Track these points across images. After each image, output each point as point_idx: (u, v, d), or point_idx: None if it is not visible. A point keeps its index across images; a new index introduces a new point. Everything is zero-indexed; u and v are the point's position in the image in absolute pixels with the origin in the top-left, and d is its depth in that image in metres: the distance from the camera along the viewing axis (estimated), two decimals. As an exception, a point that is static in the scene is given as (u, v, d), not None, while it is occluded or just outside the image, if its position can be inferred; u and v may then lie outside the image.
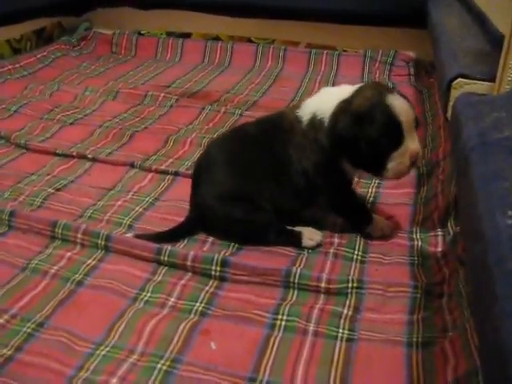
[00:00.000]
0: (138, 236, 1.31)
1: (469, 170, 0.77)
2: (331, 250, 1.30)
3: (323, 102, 1.30)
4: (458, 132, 0.96)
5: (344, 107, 1.24)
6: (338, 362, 0.99)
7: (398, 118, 1.19)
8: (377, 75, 2.50)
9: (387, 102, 1.20)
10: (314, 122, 1.29)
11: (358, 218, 1.36)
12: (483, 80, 1.17)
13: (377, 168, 1.24)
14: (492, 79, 1.16)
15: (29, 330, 1.06)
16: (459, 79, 1.18)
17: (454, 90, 1.19)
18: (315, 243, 1.31)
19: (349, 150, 1.24)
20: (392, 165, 1.22)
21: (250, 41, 2.74)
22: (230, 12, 2.67)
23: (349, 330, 1.06)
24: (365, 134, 1.19)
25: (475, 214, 0.68)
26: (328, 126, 1.25)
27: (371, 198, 1.50)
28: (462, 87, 1.18)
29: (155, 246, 1.25)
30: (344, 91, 1.28)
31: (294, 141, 1.31)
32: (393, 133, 1.20)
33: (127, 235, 1.32)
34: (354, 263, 1.25)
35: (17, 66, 2.45)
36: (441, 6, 2.14)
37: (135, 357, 1.00)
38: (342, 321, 1.08)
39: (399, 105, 1.21)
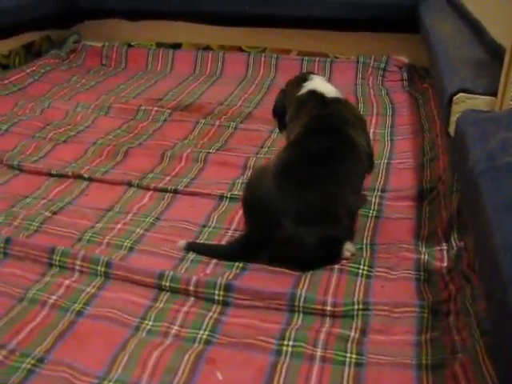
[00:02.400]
0: (190, 246, 1.33)
1: (480, 198, 0.76)
2: (336, 266, 1.27)
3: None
4: (463, 152, 0.94)
5: None
6: (346, 387, 0.98)
7: None
8: (370, 81, 2.49)
9: None
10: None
11: None
12: (485, 94, 1.15)
13: None
14: (493, 93, 1.15)
15: (28, 366, 1.02)
16: (460, 94, 1.17)
17: (455, 105, 1.17)
18: (350, 254, 1.31)
19: None
20: None
21: (241, 50, 2.72)
22: (220, 21, 2.65)
23: (357, 353, 1.04)
24: None
25: (490, 246, 0.67)
26: None
27: (374, 212, 1.48)
28: (463, 102, 1.16)
29: (156, 271, 1.23)
30: None
31: (355, 125, 1.42)
32: None
33: (179, 244, 1.34)
34: (359, 278, 1.24)
35: (6, 81, 2.42)
36: (433, 11, 2.13)
37: (141, 390, 0.98)
38: (349, 344, 1.06)
39: None
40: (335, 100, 1.48)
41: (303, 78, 1.56)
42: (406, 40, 2.51)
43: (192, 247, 1.34)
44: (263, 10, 2.56)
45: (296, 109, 1.49)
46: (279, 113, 1.58)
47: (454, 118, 1.17)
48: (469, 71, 1.29)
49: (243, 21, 2.61)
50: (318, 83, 1.53)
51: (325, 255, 1.27)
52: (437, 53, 1.52)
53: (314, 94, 1.48)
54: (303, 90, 1.51)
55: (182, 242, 1.35)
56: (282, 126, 1.58)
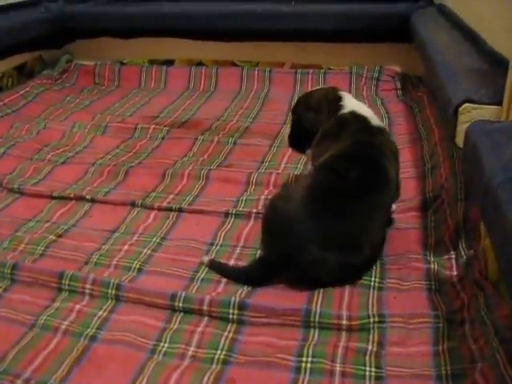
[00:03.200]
0: (211, 264, 1.33)
1: (500, 211, 0.76)
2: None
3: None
4: (477, 162, 0.95)
5: None
6: (369, 403, 0.97)
7: None
8: (364, 91, 2.50)
9: None
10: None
11: None
12: (490, 104, 1.16)
13: None
14: (498, 103, 1.16)
15: (46, 396, 1.01)
16: (466, 104, 1.17)
17: (461, 115, 1.18)
18: None
19: None
20: None
21: (234, 64, 2.73)
22: (212, 36, 2.65)
23: (376, 367, 1.04)
24: None
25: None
26: None
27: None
28: (469, 112, 1.17)
29: (168, 292, 1.22)
30: None
31: (391, 158, 1.38)
32: None
33: (202, 259, 1.35)
34: (371, 291, 1.24)
35: (0, 104, 2.40)
36: (425, 21, 2.15)
37: (162, 415, 0.97)
38: (367, 358, 1.06)
39: None
40: (379, 130, 1.43)
41: (336, 96, 1.49)
42: (397, 49, 2.53)
43: (213, 266, 1.33)
44: (255, 24, 2.56)
45: (336, 129, 1.42)
46: (310, 131, 1.49)
47: (460, 128, 1.18)
48: (471, 81, 1.30)
49: (235, 35, 2.62)
50: (357, 104, 1.48)
51: (344, 281, 1.26)
52: (436, 63, 1.53)
53: (358, 118, 1.43)
54: (344, 110, 1.45)
55: (205, 259, 1.35)
56: (307, 146, 1.51)
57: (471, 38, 1.64)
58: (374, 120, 1.44)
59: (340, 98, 1.48)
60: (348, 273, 1.26)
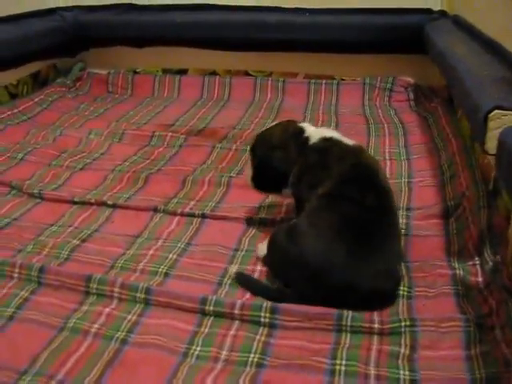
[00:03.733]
0: (239, 277, 1.31)
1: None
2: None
3: None
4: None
5: None
6: (405, 406, 0.97)
7: None
8: (377, 102, 2.52)
9: None
10: None
11: None
12: (520, 111, 1.18)
13: None
14: (528, 109, 1.17)
15: (80, 398, 1.01)
16: (496, 111, 1.18)
17: (491, 122, 1.19)
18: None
19: None
20: None
21: (247, 74, 2.74)
22: (226, 46, 2.67)
23: (409, 370, 1.04)
24: None
25: None
26: None
27: (402, 231, 1.49)
28: (499, 118, 1.18)
29: (199, 295, 1.22)
30: None
31: (379, 167, 1.40)
32: None
33: (230, 269, 1.34)
34: (401, 299, 1.24)
35: (15, 111, 2.41)
36: (441, 32, 2.17)
37: (199, 417, 0.96)
38: (400, 361, 1.06)
39: None
40: (360, 148, 1.41)
41: (297, 129, 1.45)
42: (410, 60, 2.56)
43: (240, 279, 1.30)
44: (269, 34, 2.58)
45: (318, 159, 1.36)
46: (280, 171, 1.43)
47: (490, 135, 1.19)
48: (498, 88, 1.31)
49: (249, 45, 2.63)
50: (320, 131, 1.44)
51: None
52: (459, 71, 1.55)
53: (333, 142, 1.39)
54: (313, 140, 1.40)
55: (233, 269, 1.33)
56: (277, 186, 1.46)
57: (491, 47, 1.66)
58: (347, 140, 1.41)
59: (302, 130, 1.44)
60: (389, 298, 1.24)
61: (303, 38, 2.55)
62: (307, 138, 1.41)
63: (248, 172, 1.53)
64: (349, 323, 1.14)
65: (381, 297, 1.21)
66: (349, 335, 1.13)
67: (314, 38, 2.54)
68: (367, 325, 1.14)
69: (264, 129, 1.55)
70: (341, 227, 1.22)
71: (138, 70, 2.86)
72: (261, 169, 1.48)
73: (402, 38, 2.48)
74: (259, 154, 1.47)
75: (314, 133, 1.42)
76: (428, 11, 2.47)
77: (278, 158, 1.43)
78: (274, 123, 1.55)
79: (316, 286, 1.20)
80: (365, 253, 1.19)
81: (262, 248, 1.37)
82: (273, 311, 1.17)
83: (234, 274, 1.32)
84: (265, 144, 1.47)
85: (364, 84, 2.57)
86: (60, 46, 2.77)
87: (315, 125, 2.14)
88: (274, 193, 1.53)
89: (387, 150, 2.01)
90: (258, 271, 1.36)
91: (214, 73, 2.78)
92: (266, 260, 1.36)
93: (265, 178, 1.48)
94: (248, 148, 1.56)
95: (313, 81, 2.61)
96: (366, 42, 2.53)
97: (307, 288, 1.21)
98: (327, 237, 1.21)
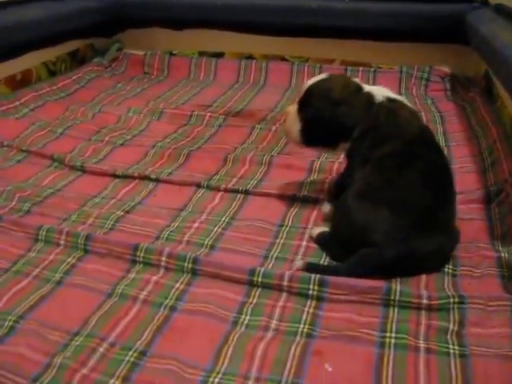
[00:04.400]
0: (308, 266, 1.26)
1: None
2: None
3: None
4: None
5: None
6: (456, 379, 0.97)
7: None
8: (413, 91, 2.50)
9: None
10: None
11: None
12: None
13: None
14: None
15: (132, 359, 1.02)
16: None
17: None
18: None
19: None
20: None
21: (283, 59, 2.73)
22: (263, 31, 2.67)
23: (459, 345, 1.04)
24: None
25: None
26: None
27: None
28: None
29: (247, 267, 1.23)
30: None
31: None
32: None
33: (296, 263, 1.27)
34: (446, 277, 1.24)
35: (54, 87, 2.43)
36: (484, 21, 2.15)
37: (251, 383, 0.97)
38: (449, 337, 1.07)
39: None
40: (417, 111, 1.46)
41: (357, 85, 1.42)
42: (447, 50, 2.53)
43: (310, 268, 1.26)
44: (306, 19, 2.58)
45: (387, 118, 1.36)
46: (348, 125, 1.38)
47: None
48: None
49: (286, 30, 2.63)
50: (381, 89, 1.43)
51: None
52: (506, 56, 1.53)
53: (398, 103, 1.40)
54: (379, 98, 1.38)
55: (299, 262, 1.27)
56: (342, 140, 1.41)
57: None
58: (408, 102, 1.44)
59: (361, 87, 1.42)
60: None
61: (342, 25, 2.54)
62: (372, 96, 1.39)
63: (291, 127, 1.44)
64: (397, 298, 1.14)
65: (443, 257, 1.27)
66: (397, 310, 1.14)
67: (352, 25, 2.53)
68: (416, 300, 1.14)
69: (314, 81, 1.43)
70: (423, 183, 1.26)
71: (174, 52, 2.86)
72: (318, 123, 1.40)
73: (442, 27, 2.46)
74: (316, 108, 1.39)
75: (376, 91, 1.41)
76: (469, 0, 2.45)
77: (343, 113, 1.37)
78: (323, 76, 1.45)
79: (390, 245, 1.20)
80: (443, 210, 1.26)
81: (316, 230, 1.38)
82: (321, 284, 1.17)
83: (302, 266, 1.26)
84: (324, 98, 1.38)
85: (401, 73, 2.56)
86: (97, 26, 2.79)
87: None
88: (328, 147, 1.47)
89: (426, 137, 2.00)
90: (304, 246, 1.36)
91: (250, 57, 2.78)
92: (334, 224, 1.37)
93: (321, 132, 1.41)
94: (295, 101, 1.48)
95: (350, 68, 2.60)
96: (405, 30, 2.51)
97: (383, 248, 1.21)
98: (411, 193, 1.25)
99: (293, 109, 1.44)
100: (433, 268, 1.26)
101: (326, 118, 1.38)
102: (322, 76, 1.45)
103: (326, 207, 1.43)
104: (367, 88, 1.42)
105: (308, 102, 1.41)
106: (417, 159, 1.29)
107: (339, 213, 1.36)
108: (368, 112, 1.37)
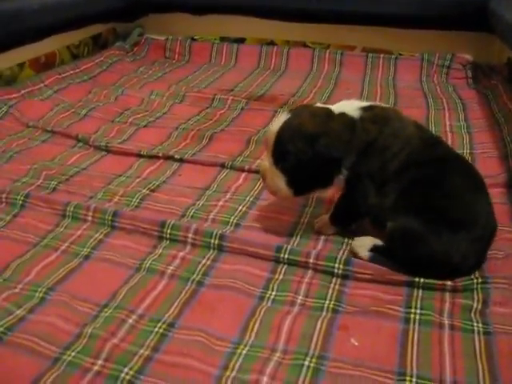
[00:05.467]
0: (374, 258, 1.22)
1: None
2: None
3: None
4: None
5: None
6: (480, 355, 0.99)
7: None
8: (435, 78, 2.50)
9: None
10: None
11: None
12: None
13: None
14: None
15: (161, 331, 1.04)
16: None
17: None
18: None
19: None
20: None
21: (305, 45, 2.74)
22: (285, 17, 2.68)
23: (483, 323, 1.06)
24: None
25: None
26: None
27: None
28: None
29: (274, 244, 1.24)
30: None
31: None
32: None
33: (363, 256, 1.23)
34: (471, 260, 1.25)
35: (77, 70, 2.46)
36: (508, 7, 2.14)
37: (279, 355, 0.98)
38: (473, 315, 1.08)
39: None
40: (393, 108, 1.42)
41: (320, 109, 1.29)
42: (469, 38, 2.53)
43: (377, 259, 1.22)
44: (328, 5, 2.58)
45: (377, 129, 1.24)
46: (335, 155, 1.23)
47: None
48: None
49: (307, 17, 2.63)
50: (344, 104, 1.30)
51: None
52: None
53: (375, 108, 1.29)
54: (355, 113, 1.26)
55: (367, 254, 1.23)
56: (336, 174, 1.27)
57: None
58: (380, 103, 1.37)
59: (329, 110, 1.28)
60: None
61: (363, 11, 2.54)
62: (345, 115, 1.25)
63: (275, 184, 1.28)
64: (422, 280, 1.16)
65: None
66: (421, 291, 1.15)
67: (374, 11, 2.53)
68: (440, 282, 1.15)
69: (278, 125, 1.25)
70: (465, 186, 1.23)
71: (195, 37, 2.87)
72: (302, 168, 1.23)
73: (465, 14, 2.45)
74: (294, 153, 1.22)
75: (347, 107, 1.27)
76: (493, -12, 2.43)
77: (325, 146, 1.21)
78: (285, 115, 1.27)
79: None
80: (489, 206, 1.25)
81: (363, 248, 1.25)
82: (347, 263, 1.19)
83: (368, 257, 1.23)
84: (298, 138, 1.22)
85: (422, 60, 2.55)
86: (119, 11, 2.81)
87: (374, 98, 2.16)
88: (323, 187, 1.31)
89: (447, 123, 2.00)
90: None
91: (271, 43, 2.79)
92: (399, 256, 1.20)
93: (310, 176, 1.26)
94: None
95: (370, 54, 2.60)
96: (427, 17, 2.51)
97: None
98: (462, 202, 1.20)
99: (267, 163, 1.27)
100: None
101: (309, 158, 1.22)
102: (283, 116, 1.27)
103: (330, 229, 1.34)
104: (336, 108, 1.28)
105: (282, 150, 1.24)
106: (441, 163, 1.24)
107: (405, 241, 1.19)
108: (352, 132, 1.24)
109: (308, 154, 1.21)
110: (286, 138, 1.23)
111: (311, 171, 1.24)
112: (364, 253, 1.23)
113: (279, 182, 1.26)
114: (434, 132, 1.44)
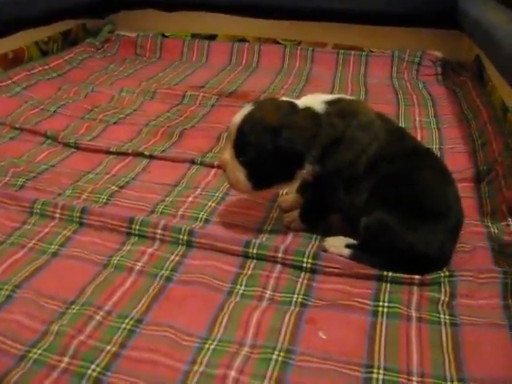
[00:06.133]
0: (354, 255, 1.21)
1: None
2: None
3: None
4: None
5: None
6: (447, 346, 1.00)
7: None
8: (405, 75, 2.52)
9: None
10: None
11: None
12: None
13: None
14: None
15: (128, 327, 1.03)
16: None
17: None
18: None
19: None
20: None
21: (276, 42, 2.74)
22: (256, 13, 2.67)
23: (450, 315, 1.07)
24: None
25: None
26: None
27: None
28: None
29: (243, 238, 1.25)
30: None
31: None
32: None
33: (343, 253, 1.22)
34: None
35: (46, 67, 2.43)
36: (475, 4, 2.17)
37: (247, 349, 0.98)
38: (440, 307, 1.09)
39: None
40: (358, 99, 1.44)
41: (284, 103, 1.26)
42: (439, 35, 2.56)
43: (358, 257, 1.21)
44: (299, 2, 2.59)
45: (344, 123, 1.22)
46: (299, 149, 1.21)
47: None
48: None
49: (279, 13, 2.63)
50: (311, 98, 1.28)
51: None
52: (498, 38, 1.55)
53: (342, 102, 1.28)
54: (320, 106, 1.24)
55: (347, 251, 1.22)
56: (299, 168, 1.24)
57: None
58: (346, 96, 1.35)
59: (293, 103, 1.26)
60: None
61: (334, 8, 2.55)
62: (310, 108, 1.23)
63: (234, 177, 1.25)
64: (390, 273, 1.16)
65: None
66: (389, 285, 1.16)
67: (344, 8, 2.54)
68: (408, 276, 1.16)
69: (241, 117, 1.24)
70: (436, 179, 1.24)
71: (166, 34, 2.86)
72: (263, 161, 1.21)
73: (435, 12, 2.47)
74: (256, 145, 1.20)
75: (312, 101, 1.25)
76: (461, -15, 2.46)
77: (287, 139, 1.19)
78: (248, 107, 1.26)
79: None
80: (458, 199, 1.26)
81: (334, 243, 1.25)
82: (315, 257, 1.19)
83: (348, 255, 1.22)
84: (260, 130, 1.20)
85: (392, 57, 2.57)
86: (90, 7, 2.78)
87: (345, 94, 2.17)
88: (284, 182, 1.28)
89: (417, 119, 2.02)
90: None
91: (243, 39, 2.79)
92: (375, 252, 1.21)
93: (271, 170, 1.23)
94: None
95: (341, 51, 2.61)
96: (397, 14, 2.53)
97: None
98: (435, 194, 1.22)
99: (228, 155, 1.25)
100: None
101: (270, 152, 1.19)
102: (247, 108, 1.25)
103: (300, 225, 1.33)
104: (301, 102, 1.26)
105: (244, 142, 1.21)
106: (412, 157, 1.25)
107: (382, 236, 1.18)
108: (316, 126, 1.21)
109: (269, 147, 1.19)
110: (247, 129, 1.21)
111: (272, 165, 1.21)
112: (341, 250, 1.23)
113: (239, 174, 1.24)
114: (403, 126, 1.44)
